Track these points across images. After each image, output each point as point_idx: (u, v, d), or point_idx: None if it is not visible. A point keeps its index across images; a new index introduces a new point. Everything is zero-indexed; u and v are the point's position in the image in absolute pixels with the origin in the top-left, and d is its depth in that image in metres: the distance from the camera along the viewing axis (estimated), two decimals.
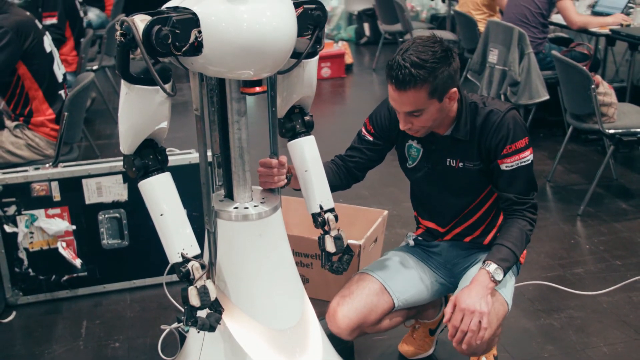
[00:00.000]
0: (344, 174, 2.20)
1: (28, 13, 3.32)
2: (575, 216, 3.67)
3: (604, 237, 3.43)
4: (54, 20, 4.62)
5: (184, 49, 1.52)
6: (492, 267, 1.92)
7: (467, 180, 2.08)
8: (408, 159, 2.16)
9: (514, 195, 2.02)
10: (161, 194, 1.71)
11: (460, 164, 2.06)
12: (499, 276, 1.91)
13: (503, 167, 2.00)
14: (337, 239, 1.98)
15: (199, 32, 1.52)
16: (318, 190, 1.96)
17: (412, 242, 2.33)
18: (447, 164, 2.08)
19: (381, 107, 2.16)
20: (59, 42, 4.57)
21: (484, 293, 1.88)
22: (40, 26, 3.32)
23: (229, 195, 1.91)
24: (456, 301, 1.88)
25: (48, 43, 3.32)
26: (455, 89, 1.91)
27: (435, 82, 1.82)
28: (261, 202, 1.89)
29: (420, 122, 1.92)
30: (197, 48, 1.53)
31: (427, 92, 1.83)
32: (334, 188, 2.08)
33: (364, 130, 2.19)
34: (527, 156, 2.00)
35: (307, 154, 1.94)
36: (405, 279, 2.19)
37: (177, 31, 1.50)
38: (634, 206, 3.78)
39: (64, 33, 4.73)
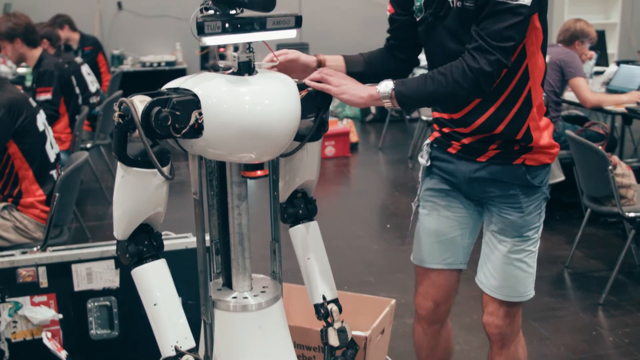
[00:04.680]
0: (387, 58, 2.18)
1: (22, 91, 3.39)
2: (597, 305, 3.63)
3: (628, 328, 3.38)
4: (48, 96, 4.70)
5: (183, 131, 1.55)
6: (387, 81, 1.90)
7: (467, 29, 1.90)
8: (415, 15, 2.07)
9: (475, 29, 1.86)
10: (155, 282, 1.71)
11: (459, 3, 1.91)
12: (385, 88, 1.88)
13: None
14: (341, 332, 1.96)
15: (200, 113, 1.56)
16: (321, 280, 1.96)
17: (426, 162, 2.24)
18: (450, 4, 1.93)
19: None
20: (52, 119, 4.64)
21: (356, 88, 1.89)
22: (33, 104, 3.38)
23: (228, 284, 1.91)
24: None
25: (41, 121, 3.37)
26: None
27: None
28: (261, 292, 1.89)
29: None
30: (197, 130, 1.56)
31: None
32: (389, 76, 1.98)
33: (389, 7, 2.18)
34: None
35: (310, 241, 1.95)
36: (453, 243, 2.24)
37: (177, 113, 1.54)
38: None
39: (58, 109, 4.81)
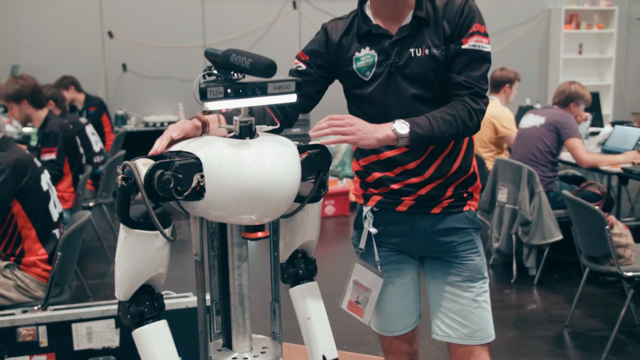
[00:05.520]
0: (276, 115, 2.10)
1: (27, 150, 3.42)
2: None
3: None
4: (52, 156, 4.75)
5: (185, 193, 1.56)
6: (401, 121, 1.93)
7: (436, 74, 2.05)
8: (360, 73, 2.11)
9: (463, 78, 2.01)
10: (156, 344, 1.70)
11: (426, 51, 2.04)
12: (401, 129, 1.91)
13: (465, 46, 2.01)
14: None
15: (202, 176, 1.57)
16: (321, 340, 1.94)
17: (374, 230, 2.22)
18: (412, 55, 2.05)
19: (315, 36, 2.19)
20: (56, 178, 4.67)
21: (374, 130, 1.90)
22: (38, 164, 3.41)
23: (228, 344, 1.89)
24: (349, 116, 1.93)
25: (45, 181, 3.40)
26: None
27: None
28: (261, 352, 1.87)
29: None
30: (199, 193, 1.58)
31: None
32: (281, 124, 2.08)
33: (296, 62, 2.17)
34: (488, 44, 2.04)
35: (310, 301, 1.94)
36: (410, 305, 2.30)
37: (179, 176, 1.55)
38: None
39: (62, 169, 4.85)
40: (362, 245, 2.25)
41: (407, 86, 2.07)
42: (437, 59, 2.04)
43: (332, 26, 2.18)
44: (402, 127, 1.92)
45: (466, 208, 2.19)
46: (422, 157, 2.10)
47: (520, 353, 3.74)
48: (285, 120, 2.12)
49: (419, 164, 2.11)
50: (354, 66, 2.12)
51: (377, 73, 2.09)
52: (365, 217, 2.23)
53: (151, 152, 1.68)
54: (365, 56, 2.10)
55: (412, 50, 2.05)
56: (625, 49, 9.71)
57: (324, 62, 2.16)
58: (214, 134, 1.79)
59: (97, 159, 5.81)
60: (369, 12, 2.13)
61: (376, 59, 2.09)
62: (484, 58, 2.04)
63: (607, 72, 9.54)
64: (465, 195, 2.18)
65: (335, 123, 1.89)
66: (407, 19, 2.06)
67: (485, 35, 2.04)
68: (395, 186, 2.15)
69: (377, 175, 2.17)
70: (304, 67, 2.16)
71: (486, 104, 2.05)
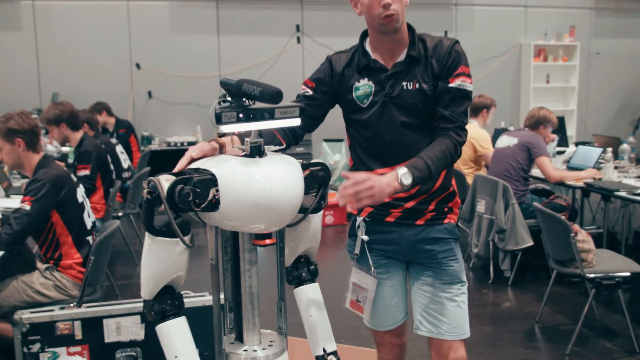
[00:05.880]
0: (285, 135, 2.08)
1: (65, 167, 3.42)
2: (564, 356, 3.57)
3: None
4: (87, 172, 4.75)
5: (202, 205, 1.56)
6: (402, 170, 1.90)
7: (424, 106, 2.07)
8: (358, 101, 2.12)
9: (449, 113, 2.03)
10: (176, 337, 1.69)
11: (417, 85, 2.06)
12: (406, 180, 1.90)
13: (451, 85, 2.03)
14: None
15: (217, 190, 1.57)
16: (322, 334, 1.93)
17: (366, 237, 2.21)
18: (404, 87, 2.07)
19: (321, 66, 2.19)
20: (90, 191, 4.67)
21: (386, 188, 1.87)
22: (74, 179, 3.41)
23: (239, 338, 1.88)
24: (368, 176, 1.86)
25: (80, 194, 3.40)
26: None
27: None
28: (269, 345, 1.86)
29: (397, 0, 1.99)
30: (214, 205, 1.58)
31: None
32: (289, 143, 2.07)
33: (303, 87, 2.17)
34: (470, 84, 2.07)
35: (312, 300, 1.93)
36: (397, 304, 2.29)
37: (197, 190, 1.55)
38: (618, 346, 3.69)
39: (95, 183, 4.84)
40: (357, 251, 2.25)
41: (398, 114, 2.08)
42: (426, 93, 2.06)
43: (335, 58, 2.19)
44: (406, 178, 1.91)
45: (446, 221, 2.20)
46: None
47: (496, 345, 3.72)
48: (293, 139, 2.13)
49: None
50: (354, 94, 2.13)
51: (373, 101, 2.10)
52: (359, 226, 2.24)
53: (175, 170, 1.68)
54: (363, 86, 2.12)
55: (404, 83, 2.07)
56: (587, 79, 9.73)
57: (328, 89, 2.17)
58: (228, 153, 1.79)
59: (126, 175, 5.81)
60: (368, 47, 2.14)
61: (373, 89, 2.10)
62: (466, 96, 2.07)
63: (571, 99, 9.55)
64: (445, 209, 2.19)
65: (359, 188, 1.86)
66: (402, 56, 2.08)
67: (469, 75, 2.07)
68: (385, 199, 2.14)
69: None
70: (310, 92, 2.17)
71: (466, 135, 2.09)
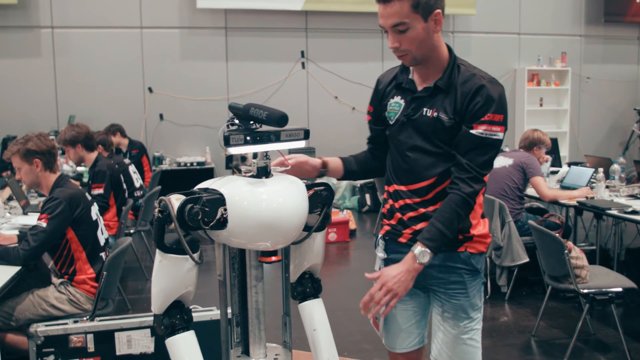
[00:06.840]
0: (370, 158, 2.18)
1: (80, 186, 3.42)
2: None
3: None
4: (100, 191, 4.75)
5: (211, 224, 1.56)
6: (418, 249, 1.86)
7: (437, 135, 1.95)
8: (388, 117, 2.08)
9: (466, 162, 1.89)
10: (185, 351, 1.68)
11: (435, 114, 1.95)
12: (424, 258, 1.85)
13: (473, 131, 1.88)
14: None
15: (225, 209, 1.57)
16: (325, 348, 1.91)
17: (384, 254, 2.13)
18: (423, 112, 1.97)
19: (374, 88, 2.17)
20: (103, 209, 4.67)
21: (406, 276, 1.84)
22: (89, 198, 3.41)
23: (246, 352, 1.87)
24: (381, 274, 1.85)
25: (94, 212, 3.40)
26: (439, 11, 1.86)
27: None
28: (274, 358, 1.85)
29: (407, 40, 1.87)
30: (222, 223, 1.57)
31: (410, 4, 1.83)
32: (375, 172, 2.13)
33: (367, 117, 2.18)
34: (499, 132, 1.88)
35: (316, 315, 1.92)
36: (412, 329, 2.17)
37: (206, 209, 1.55)
38: (612, 359, 3.65)
39: (108, 202, 4.85)
40: (377, 267, 2.18)
41: (413, 136, 2.02)
42: (443, 123, 1.95)
43: (382, 76, 2.17)
44: (423, 255, 1.87)
45: (461, 249, 2.02)
46: (425, 197, 2.03)
47: (495, 358, 3.69)
48: (381, 163, 2.18)
49: (418, 202, 2.04)
50: (387, 110, 2.10)
51: (398, 119, 2.06)
52: (378, 244, 2.18)
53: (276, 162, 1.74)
54: (395, 103, 2.07)
55: (424, 109, 1.98)
56: (578, 102, 9.74)
57: (380, 103, 2.15)
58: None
59: (138, 193, 5.81)
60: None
61: (402, 107, 2.05)
62: (490, 145, 1.90)
63: (563, 121, 9.56)
64: (460, 237, 2.01)
65: (388, 294, 1.86)
66: (432, 82, 1.99)
67: (499, 124, 1.89)
68: (397, 215, 2.08)
69: (388, 205, 2.14)
70: (370, 118, 2.18)
71: (481, 186, 1.92)
